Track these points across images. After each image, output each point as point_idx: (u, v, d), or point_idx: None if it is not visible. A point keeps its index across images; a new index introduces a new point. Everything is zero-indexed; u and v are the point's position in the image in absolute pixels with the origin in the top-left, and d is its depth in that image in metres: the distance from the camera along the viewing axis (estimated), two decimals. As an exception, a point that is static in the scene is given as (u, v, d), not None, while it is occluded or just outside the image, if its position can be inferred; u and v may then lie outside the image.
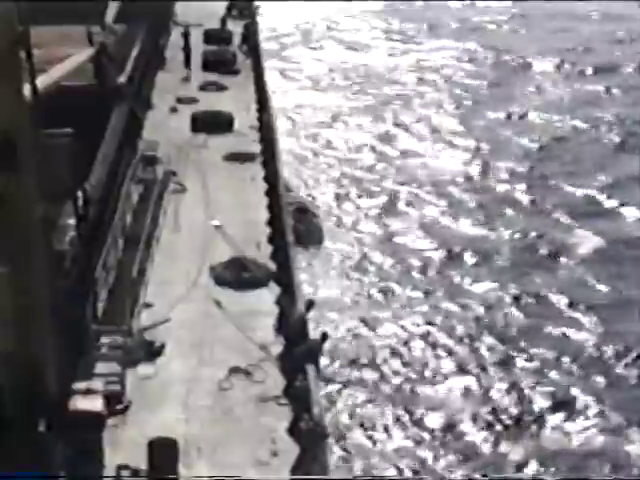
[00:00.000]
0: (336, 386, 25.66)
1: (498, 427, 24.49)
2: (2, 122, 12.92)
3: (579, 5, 70.07)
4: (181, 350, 19.32)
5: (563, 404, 25.41)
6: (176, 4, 47.24)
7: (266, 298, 21.55)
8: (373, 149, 44.38)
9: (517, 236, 35.43)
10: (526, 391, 25.91)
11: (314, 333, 19.38)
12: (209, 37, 42.82)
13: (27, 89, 13.86)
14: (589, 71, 57.30)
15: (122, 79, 29.08)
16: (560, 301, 30.61)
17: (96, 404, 15.24)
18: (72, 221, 18.75)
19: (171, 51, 41.13)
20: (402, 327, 28.87)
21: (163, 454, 14.97)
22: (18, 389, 13.77)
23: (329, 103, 51.03)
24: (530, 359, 27.36)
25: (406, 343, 28.06)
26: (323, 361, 24.83)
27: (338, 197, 38.77)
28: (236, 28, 44.06)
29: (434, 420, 24.64)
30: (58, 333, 14.43)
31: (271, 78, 45.40)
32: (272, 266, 22.94)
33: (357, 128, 47.36)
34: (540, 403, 25.46)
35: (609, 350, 27.87)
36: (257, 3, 49.55)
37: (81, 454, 14.82)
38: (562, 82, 55.71)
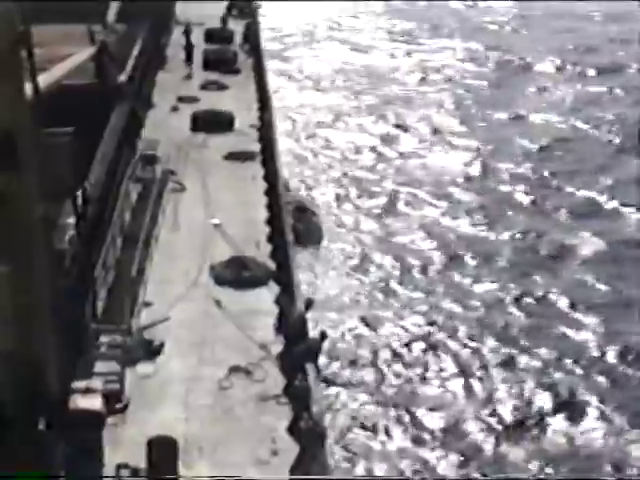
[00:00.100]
0: (337, 387, 25.62)
1: (500, 428, 24.43)
2: (3, 121, 12.92)
3: (581, 5, 70.00)
4: (181, 349, 19.33)
5: (565, 405, 25.39)
6: (177, 3, 47.22)
7: (266, 297, 21.57)
8: (374, 149, 44.32)
9: (518, 237, 35.37)
10: (528, 392, 25.86)
11: (313, 332, 19.39)
12: (210, 36, 42.83)
13: (28, 88, 13.86)
14: (592, 72, 57.17)
15: (123, 78, 29.10)
16: (562, 302, 30.57)
17: (96, 403, 15.24)
18: (71, 220, 18.76)
19: (172, 50, 41.16)
20: (402, 327, 28.84)
21: (163, 453, 14.98)
22: (18, 388, 13.76)
23: (330, 103, 50.95)
24: (532, 359, 27.31)
25: (407, 344, 28.02)
26: (322, 361, 25.11)
27: (338, 197, 38.69)
28: (237, 27, 44.11)
29: (435, 421, 24.59)
30: (58, 332, 14.42)
31: (273, 78, 45.50)
32: (272, 265, 22.95)
33: (358, 128, 47.28)
34: (542, 404, 25.40)
35: (611, 350, 27.83)
36: (258, 2, 49.54)
37: (81, 453, 14.82)
38: (564, 83, 55.54)
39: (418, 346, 27.88)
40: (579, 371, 26.93)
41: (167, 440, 15.22)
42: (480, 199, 38.74)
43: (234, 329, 20.01)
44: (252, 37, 42.85)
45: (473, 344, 28.07)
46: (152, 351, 19.10)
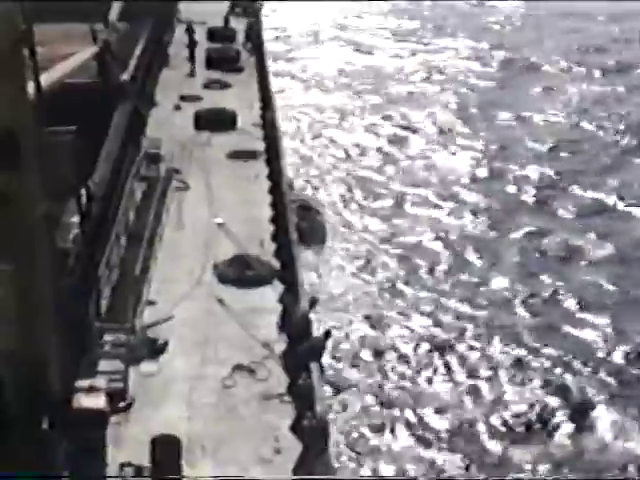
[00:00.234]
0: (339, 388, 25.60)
1: (508, 431, 24.31)
2: (5, 120, 12.92)
3: (586, 5, 69.78)
4: (184, 348, 19.33)
5: (574, 406, 25.27)
6: (179, 2, 47.20)
7: (269, 296, 21.55)
8: (380, 149, 44.17)
9: (525, 238, 35.24)
10: (536, 393, 25.74)
11: (317, 331, 19.38)
12: (213, 35, 42.84)
13: (31, 87, 13.87)
14: (598, 72, 56.96)
15: (125, 77, 29.09)
16: (570, 302, 30.46)
17: (99, 402, 15.24)
18: (75, 219, 18.77)
19: (174, 49, 41.17)
20: (408, 327, 28.75)
21: (166, 452, 14.99)
22: (21, 387, 13.77)
23: (335, 103, 50.78)
24: (540, 359, 27.22)
25: (413, 344, 27.95)
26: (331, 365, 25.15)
27: (344, 197, 38.57)
28: (240, 26, 44.11)
29: (441, 423, 24.50)
30: (61, 331, 14.43)
31: (278, 79, 45.52)
32: (275, 264, 22.94)
33: (363, 128, 47.11)
34: (551, 405, 25.28)
35: (619, 350, 27.79)
36: (260, 1, 49.53)
37: (84, 452, 14.82)
38: (570, 82, 55.31)
39: (424, 347, 27.78)
40: (587, 371, 26.82)
41: (171, 439, 15.23)
42: (487, 199, 38.53)
43: (237, 328, 20.01)
44: (254, 36, 42.84)
45: (480, 344, 27.95)
46: (156, 350, 19.09)
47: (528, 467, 23.02)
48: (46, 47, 18.89)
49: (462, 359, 27.21)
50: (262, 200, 26.73)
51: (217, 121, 32.24)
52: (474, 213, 37.21)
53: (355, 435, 23.73)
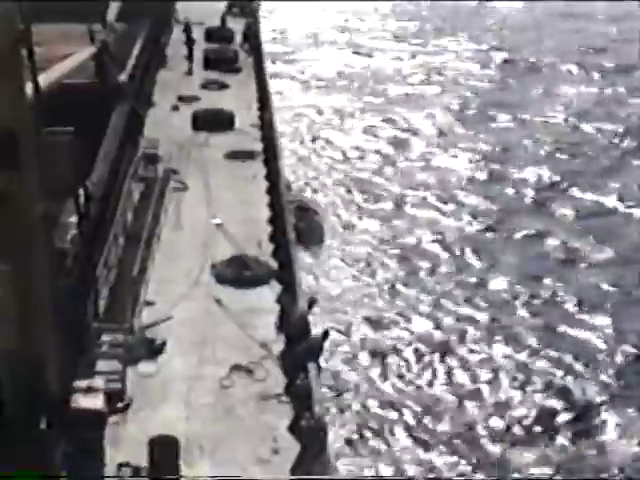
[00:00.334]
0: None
1: (509, 433, 24.23)
2: (4, 120, 12.92)
3: (586, 5, 69.81)
4: (182, 348, 19.33)
5: (576, 408, 25.24)
6: (177, 2, 47.21)
7: (267, 296, 21.56)
8: (379, 152, 44.10)
9: (525, 240, 35.19)
10: (537, 394, 25.70)
11: (315, 331, 19.39)
12: (210, 35, 42.88)
13: (29, 87, 13.89)
14: (599, 73, 56.90)
15: (123, 77, 29.08)
16: (570, 303, 30.41)
17: (97, 402, 15.24)
18: (73, 219, 18.77)
19: (172, 49, 41.18)
20: (407, 329, 28.71)
21: (164, 452, 14.98)
22: (19, 387, 13.77)
23: (334, 105, 50.75)
24: (541, 361, 27.19)
25: (412, 345, 27.89)
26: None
27: (343, 199, 38.52)
28: (237, 26, 44.11)
29: (442, 426, 24.44)
30: (59, 331, 14.44)
31: (277, 81, 45.41)
32: (273, 264, 22.95)
33: (363, 130, 46.99)
34: (553, 407, 25.25)
35: (620, 351, 27.78)
36: (258, 2, 49.53)
37: (82, 452, 14.82)
38: (571, 83, 55.23)
39: (423, 348, 27.72)
40: (589, 373, 26.79)
41: (168, 439, 15.22)
42: (487, 201, 38.45)
43: (235, 328, 20.01)
44: (252, 36, 42.85)
45: (480, 346, 27.90)
46: (154, 350, 19.09)
47: (529, 470, 22.98)
48: (44, 47, 18.96)
49: (462, 361, 27.13)
50: (260, 200, 26.75)
51: (215, 121, 32.27)
52: (473, 215, 37.11)
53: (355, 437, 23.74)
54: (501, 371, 26.67)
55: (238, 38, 42.92)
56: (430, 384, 26.14)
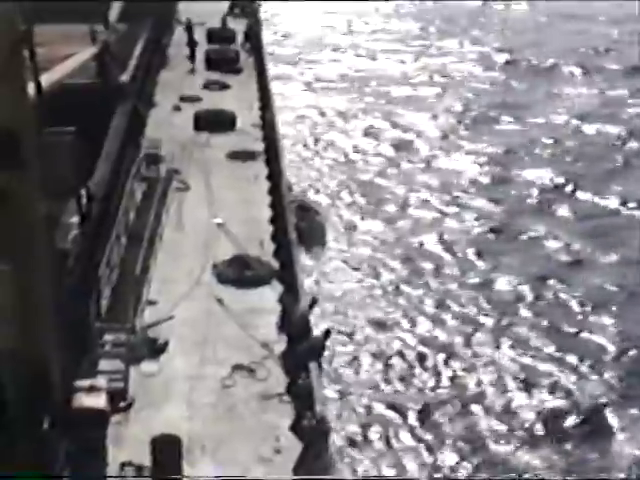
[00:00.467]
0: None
1: (515, 436, 24.11)
2: (6, 120, 12.97)
3: (591, 6, 69.74)
4: (184, 348, 19.35)
5: (582, 408, 25.16)
6: (178, 3, 47.26)
7: (269, 296, 21.58)
8: (382, 154, 43.98)
9: (529, 241, 35.09)
10: (544, 396, 25.63)
11: (317, 331, 19.42)
12: (212, 36, 42.89)
13: (31, 87, 13.92)
14: (603, 75, 56.80)
15: (125, 77, 29.16)
16: (576, 303, 30.37)
17: (100, 401, 15.29)
18: (75, 219, 18.80)
19: (174, 50, 41.22)
20: (412, 331, 28.68)
21: (166, 451, 15.00)
22: (22, 386, 13.81)
23: (337, 107, 50.64)
24: (547, 362, 27.15)
25: (416, 347, 27.84)
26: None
27: (345, 199, 38.47)
28: (239, 27, 44.15)
29: (449, 427, 24.38)
30: (62, 331, 14.48)
31: (279, 82, 45.34)
32: (275, 264, 22.98)
33: (366, 132, 46.93)
34: (559, 408, 25.21)
35: (626, 351, 27.76)
36: (259, 2, 49.55)
37: (85, 451, 14.87)
38: (575, 85, 55.12)
39: (429, 349, 27.68)
40: (594, 374, 26.73)
41: (171, 438, 15.24)
42: (491, 203, 38.39)
43: (237, 328, 20.03)
44: (254, 37, 42.88)
45: (485, 348, 27.87)
46: (156, 349, 19.12)
47: (534, 473, 22.95)
48: (46, 48, 18.95)
49: (467, 362, 27.09)
50: (261, 200, 26.77)
51: (216, 122, 32.30)
52: (477, 217, 36.99)
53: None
54: (506, 372, 26.62)
55: (239, 38, 42.94)
56: (433, 387, 26.07)
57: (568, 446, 23.82)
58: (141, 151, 28.42)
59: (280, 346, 19.44)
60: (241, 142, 31.09)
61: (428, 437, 23.89)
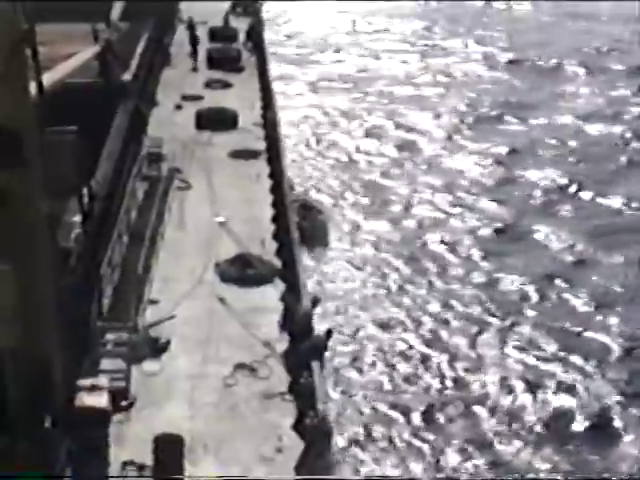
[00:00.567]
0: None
1: (521, 436, 24.10)
2: (8, 119, 12.96)
3: (596, 5, 69.64)
4: (186, 347, 19.35)
5: (589, 408, 25.15)
6: (181, 2, 47.26)
7: (271, 295, 21.57)
8: (385, 154, 43.90)
9: (534, 241, 35.07)
10: (549, 397, 25.61)
11: (319, 330, 19.40)
12: (214, 34, 42.91)
13: (33, 86, 13.91)
14: (608, 75, 56.71)
15: (127, 76, 29.15)
16: (582, 304, 30.38)
17: (101, 400, 15.29)
18: (77, 218, 18.80)
19: (176, 48, 41.23)
20: (416, 331, 28.63)
21: (168, 450, 15.00)
22: (24, 385, 13.81)
23: (341, 106, 50.57)
24: (553, 362, 27.14)
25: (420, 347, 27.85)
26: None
27: (348, 199, 38.39)
28: (241, 25, 44.15)
29: (453, 428, 24.37)
30: (63, 330, 14.47)
31: (280, 82, 45.29)
32: (277, 263, 22.97)
33: (370, 132, 46.85)
34: (565, 408, 25.20)
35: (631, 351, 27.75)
36: (261, 1, 49.54)
37: (87, 450, 14.87)
38: (580, 85, 55.02)
39: (435, 349, 27.65)
40: (599, 373, 26.72)
41: (173, 437, 15.24)
42: (496, 204, 38.34)
43: (239, 327, 20.02)
44: (256, 35, 42.87)
45: (490, 347, 27.83)
46: (158, 349, 19.12)
47: (539, 474, 22.93)
48: (48, 47, 18.94)
49: (472, 362, 27.07)
50: (263, 199, 26.75)
51: (218, 120, 32.29)
52: (481, 217, 36.92)
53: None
54: (512, 373, 26.60)
55: (241, 37, 42.94)
56: (437, 385, 26.04)
57: (572, 447, 23.80)
58: (143, 150, 28.42)
59: (282, 345, 19.43)
60: (243, 141, 31.08)
61: (431, 437, 23.92)
